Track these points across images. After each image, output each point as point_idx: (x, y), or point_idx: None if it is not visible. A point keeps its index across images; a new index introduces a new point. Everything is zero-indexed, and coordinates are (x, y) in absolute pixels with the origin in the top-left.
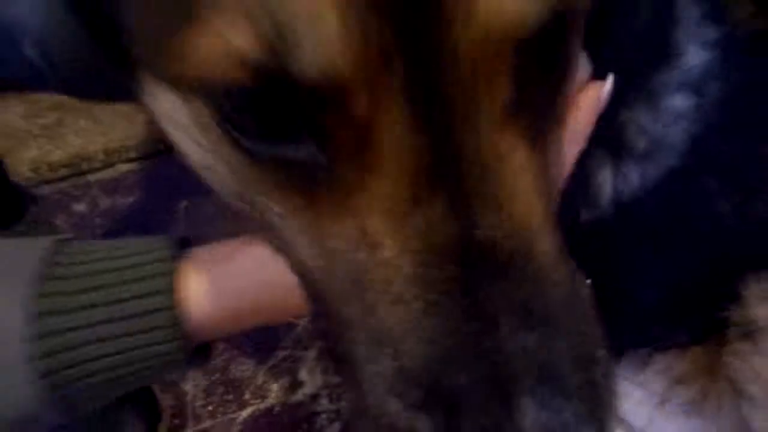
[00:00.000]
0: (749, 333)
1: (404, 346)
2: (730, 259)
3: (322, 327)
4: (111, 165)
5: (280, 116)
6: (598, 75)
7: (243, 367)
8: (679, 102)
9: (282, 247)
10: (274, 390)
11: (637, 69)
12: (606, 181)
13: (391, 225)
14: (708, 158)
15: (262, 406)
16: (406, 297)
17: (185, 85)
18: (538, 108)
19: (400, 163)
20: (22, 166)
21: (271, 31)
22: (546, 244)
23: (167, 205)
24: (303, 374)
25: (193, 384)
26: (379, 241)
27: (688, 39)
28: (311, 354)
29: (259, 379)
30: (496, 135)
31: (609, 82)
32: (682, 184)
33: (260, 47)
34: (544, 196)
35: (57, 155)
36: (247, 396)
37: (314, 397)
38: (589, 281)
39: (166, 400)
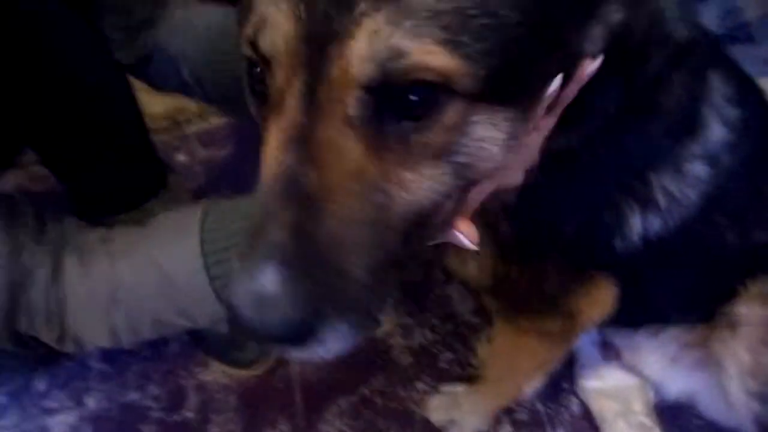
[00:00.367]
0: (732, 323)
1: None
2: (731, 269)
3: None
4: (205, 119)
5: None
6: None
7: None
8: (698, 169)
9: None
10: None
11: (666, 139)
12: (636, 224)
13: (277, 135)
14: (720, 205)
15: None
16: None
17: None
18: (388, 129)
19: (290, 115)
20: None
21: (256, 25)
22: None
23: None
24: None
25: None
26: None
27: (713, 116)
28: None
29: None
30: (334, 126)
31: (595, 64)
32: (698, 223)
33: (252, 34)
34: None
35: (157, 107)
36: None
37: (390, 334)
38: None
39: None
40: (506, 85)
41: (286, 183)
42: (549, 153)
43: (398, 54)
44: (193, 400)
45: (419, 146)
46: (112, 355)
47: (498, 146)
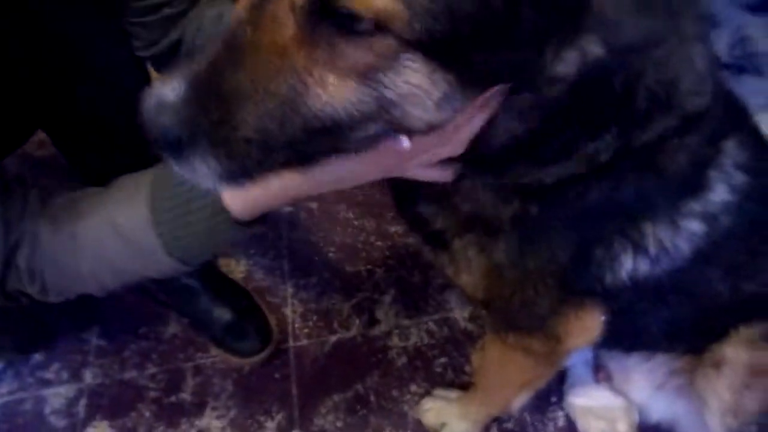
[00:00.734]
0: (717, 362)
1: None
2: (721, 314)
3: None
4: None
5: None
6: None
7: (332, 301)
8: (695, 226)
9: None
10: (356, 324)
11: (663, 196)
12: (627, 263)
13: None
14: (712, 260)
15: (346, 335)
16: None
17: None
18: (322, 29)
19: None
20: None
21: None
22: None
23: None
24: (380, 314)
25: (292, 310)
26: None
27: (719, 180)
28: (387, 298)
29: (345, 313)
30: (282, 6)
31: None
32: (688, 273)
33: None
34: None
35: None
36: (335, 325)
37: (387, 334)
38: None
39: (272, 321)
40: (451, 54)
41: (230, 34)
42: (540, 185)
43: None
44: (190, 382)
45: (346, 57)
46: (111, 332)
47: (431, 100)
